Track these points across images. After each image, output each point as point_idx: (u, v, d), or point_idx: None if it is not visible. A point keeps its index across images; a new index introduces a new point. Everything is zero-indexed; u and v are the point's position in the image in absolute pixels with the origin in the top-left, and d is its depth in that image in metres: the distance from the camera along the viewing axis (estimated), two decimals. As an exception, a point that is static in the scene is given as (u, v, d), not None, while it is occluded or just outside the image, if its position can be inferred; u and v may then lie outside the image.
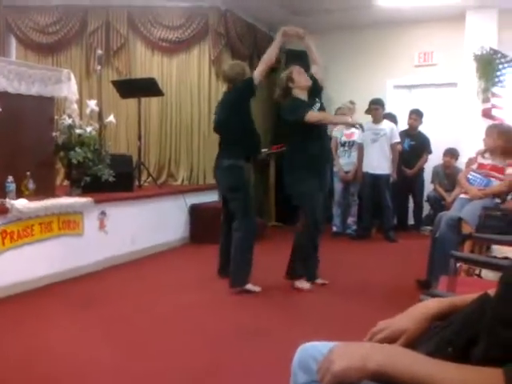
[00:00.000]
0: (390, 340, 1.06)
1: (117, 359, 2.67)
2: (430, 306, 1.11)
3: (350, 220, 6.35)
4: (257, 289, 3.87)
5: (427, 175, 6.69)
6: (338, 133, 6.41)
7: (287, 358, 1.31)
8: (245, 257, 3.88)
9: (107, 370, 2.54)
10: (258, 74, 3.88)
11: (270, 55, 3.97)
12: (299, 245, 3.98)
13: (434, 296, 1.30)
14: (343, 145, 6.33)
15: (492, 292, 0.97)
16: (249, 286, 3.86)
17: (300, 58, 7.47)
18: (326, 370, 0.88)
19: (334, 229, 6.40)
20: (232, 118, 3.94)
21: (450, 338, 0.96)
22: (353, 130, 6.20)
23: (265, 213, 7.11)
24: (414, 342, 1.05)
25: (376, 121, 6.12)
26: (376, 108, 6.09)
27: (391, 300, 3.66)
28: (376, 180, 6.06)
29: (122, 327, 3.17)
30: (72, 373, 2.50)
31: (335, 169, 6.33)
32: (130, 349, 2.81)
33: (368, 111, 6.22)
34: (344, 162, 6.33)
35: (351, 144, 6.29)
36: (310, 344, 1.27)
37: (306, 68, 7.36)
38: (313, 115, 3.84)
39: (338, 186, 6.37)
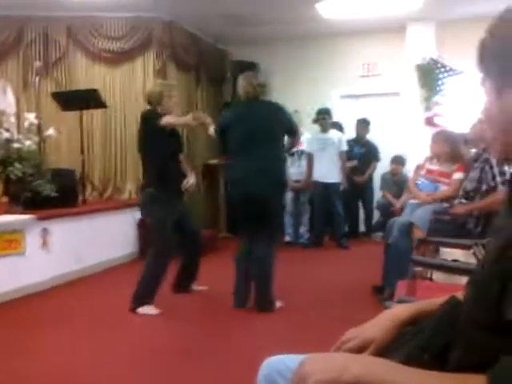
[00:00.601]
0: (360, 349, 1.02)
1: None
2: (397, 312, 1.08)
3: (302, 229, 6.36)
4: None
5: (376, 182, 6.79)
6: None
7: (250, 374, 1.22)
8: None
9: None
10: (166, 123, 3.62)
11: (181, 123, 4.04)
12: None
13: (400, 302, 1.26)
14: (292, 154, 6.31)
15: (459, 295, 0.96)
16: None
17: (246, 70, 7.49)
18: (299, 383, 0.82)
19: (287, 238, 6.37)
20: None
21: (423, 345, 0.92)
22: (302, 139, 6.21)
23: (215, 224, 7.00)
24: (384, 351, 1.01)
25: (324, 130, 6.18)
26: (323, 117, 6.15)
27: (349, 307, 3.64)
28: (327, 188, 6.09)
29: (67, 356, 2.98)
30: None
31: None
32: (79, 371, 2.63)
33: (315, 121, 6.28)
34: (294, 171, 6.32)
35: (300, 153, 6.30)
36: (274, 358, 1.21)
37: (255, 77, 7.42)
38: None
39: (288, 196, 6.35)
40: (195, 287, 4.20)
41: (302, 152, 6.25)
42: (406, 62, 6.88)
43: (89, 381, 2.58)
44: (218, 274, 4.46)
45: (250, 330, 3.29)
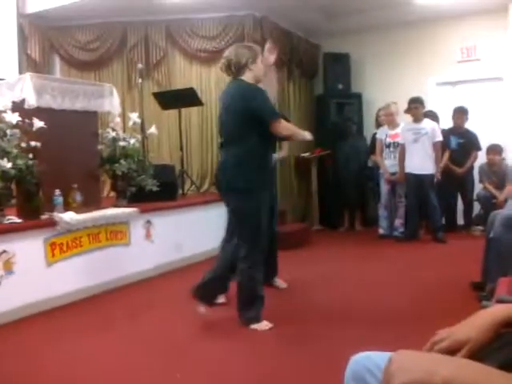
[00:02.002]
0: (452, 351, 0.96)
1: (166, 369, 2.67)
2: (495, 312, 1.01)
3: (397, 222, 6.20)
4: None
5: (477, 173, 6.47)
6: (382, 134, 6.30)
7: (336, 368, 1.26)
8: None
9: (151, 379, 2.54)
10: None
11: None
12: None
13: (499, 301, 1.21)
14: (388, 146, 6.21)
15: None
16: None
17: (338, 61, 7.45)
18: (386, 382, 0.82)
19: (381, 231, 6.27)
20: None
21: None
22: (398, 130, 6.09)
23: (308, 217, 7.05)
24: (479, 354, 0.94)
25: (416, 120, 5.94)
26: (416, 107, 5.91)
27: (445, 304, 3.54)
28: (420, 181, 5.87)
29: (164, 338, 3.18)
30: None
31: (381, 170, 6.25)
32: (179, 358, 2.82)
33: (407, 110, 6.05)
34: (390, 163, 6.20)
35: (396, 145, 6.14)
36: (362, 354, 1.18)
37: (345, 74, 7.36)
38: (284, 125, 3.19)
39: (384, 188, 6.25)
40: (279, 283, 4.15)
41: (398, 144, 6.11)
42: (508, 44, 6.47)
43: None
44: (308, 268, 4.51)
45: (337, 327, 3.30)
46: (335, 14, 6.78)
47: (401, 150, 6.00)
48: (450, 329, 1.01)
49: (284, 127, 3.13)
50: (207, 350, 2.92)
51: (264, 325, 3.19)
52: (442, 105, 7.00)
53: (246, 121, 3.06)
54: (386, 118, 6.27)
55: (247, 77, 3.15)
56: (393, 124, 6.22)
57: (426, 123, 5.94)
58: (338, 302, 3.80)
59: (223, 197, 3.34)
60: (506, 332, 0.98)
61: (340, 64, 7.44)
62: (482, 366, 0.78)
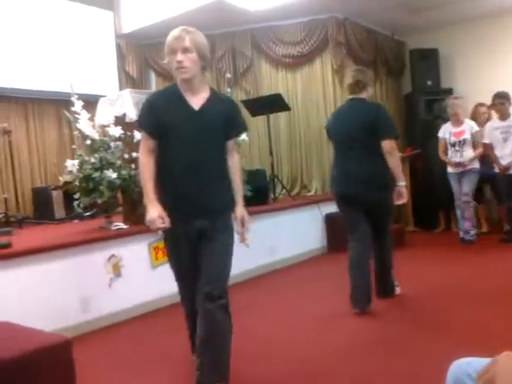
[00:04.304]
0: None
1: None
2: None
3: (467, 224, 5.75)
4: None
5: None
6: (445, 132, 5.84)
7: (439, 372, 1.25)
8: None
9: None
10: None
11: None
12: (386, 255, 3.79)
13: None
14: (453, 145, 5.78)
15: None
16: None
17: (426, 57, 7.25)
18: (487, 382, 0.81)
19: (462, 235, 5.85)
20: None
21: None
22: (462, 128, 5.71)
23: (402, 218, 6.90)
24: None
25: (503, 117, 5.45)
26: (501, 103, 5.41)
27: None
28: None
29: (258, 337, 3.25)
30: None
31: (449, 169, 5.83)
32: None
33: (492, 106, 5.65)
34: (457, 161, 5.75)
35: (462, 143, 5.73)
36: (464, 360, 1.18)
37: (434, 69, 7.13)
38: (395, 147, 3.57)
39: (455, 188, 5.84)
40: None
41: (465, 141, 5.67)
42: None
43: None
44: (406, 270, 4.42)
45: (437, 330, 3.21)
46: (418, 9, 6.60)
47: (489, 150, 5.53)
48: None
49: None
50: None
51: None
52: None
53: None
54: (451, 117, 5.81)
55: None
56: (457, 122, 5.79)
57: None
58: (441, 304, 3.70)
59: None
60: None
61: (427, 60, 7.24)
62: None
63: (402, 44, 7.68)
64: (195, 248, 2.45)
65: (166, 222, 2.35)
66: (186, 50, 2.34)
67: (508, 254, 5.09)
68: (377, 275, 3.79)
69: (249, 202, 5.04)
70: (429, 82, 7.13)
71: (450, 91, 7.16)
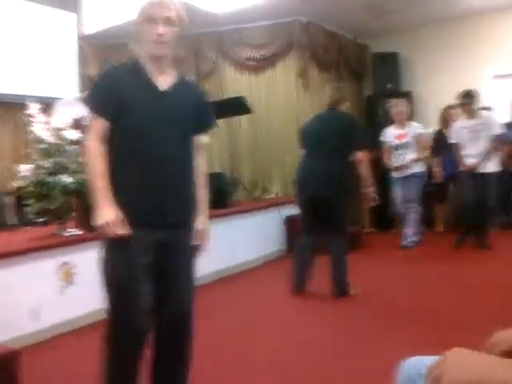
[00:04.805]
0: (510, 354, 0.92)
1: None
2: None
3: (410, 231, 5.72)
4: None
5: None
6: (389, 136, 5.79)
7: (389, 371, 1.29)
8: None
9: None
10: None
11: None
12: (342, 255, 3.98)
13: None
14: (396, 148, 5.72)
15: None
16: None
17: (387, 61, 7.37)
18: (436, 379, 0.81)
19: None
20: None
21: None
22: (405, 130, 5.65)
23: (360, 219, 7.01)
24: None
25: (471, 116, 5.33)
26: (466, 103, 5.30)
27: (505, 304, 3.46)
28: (484, 180, 5.28)
29: (222, 341, 3.29)
30: None
31: (393, 174, 5.78)
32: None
33: (461, 106, 5.50)
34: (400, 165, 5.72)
35: (405, 146, 5.67)
36: (415, 358, 1.17)
37: (395, 73, 7.25)
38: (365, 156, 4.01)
39: (396, 194, 5.78)
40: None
41: (407, 144, 5.65)
42: None
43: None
44: (361, 271, 4.51)
45: (393, 333, 3.30)
46: (381, 14, 6.71)
47: (455, 150, 5.46)
48: (508, 331, 0.98)
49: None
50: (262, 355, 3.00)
51: None
52: (499, 98, 6.78)
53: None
54: (396, 117, 5.74)
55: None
56: (401, 123, 5.73)
57: (483, 117, 5.34)
58: (394, 303, 3.79)
59: None
60: None
61: (389, 63, 7.36)
62: None
63: (364, 47, 7.79)
64: (156, 264, 2.02)
65: (126, 228, 1.93)
66: (169, 22, 1.96)
67: (457, 254, 5.23)
68: (332, 275, 3.99)
69: (209, 204, 5.10)
70: (389, 85, 7.26)
71: (408, 94, 7.30)
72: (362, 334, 3.20)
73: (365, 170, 3.97)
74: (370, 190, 4.05)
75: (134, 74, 2.02)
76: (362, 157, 3.94)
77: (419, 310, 3.59)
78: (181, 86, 2.09)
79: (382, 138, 5.84)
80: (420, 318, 3.44)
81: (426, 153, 5.70)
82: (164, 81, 2.04)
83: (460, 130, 5.39)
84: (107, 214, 1.91)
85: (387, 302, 3.85)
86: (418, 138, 5.65)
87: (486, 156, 5.23)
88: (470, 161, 5.34)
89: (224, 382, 2.64)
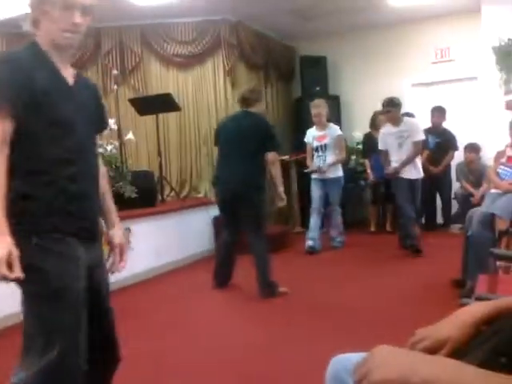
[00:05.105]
0: (433, 350, 0.95)
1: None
2: (474, 310, 1.01)
3: (335, 232, 5.79)
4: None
5: (454, 173, 6.56)
6: (309, 137, 5.76)
7: (317, 369, 1.25)
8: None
9: None
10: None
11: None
12: (264, 254, 4.04)
13: (478, 299, 1.22)
14: (316, 150, 5.67)
15: None
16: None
17: (315, 64, 7.48)
18: (363, 375, 0.81)
19: (310, 243, 5.60)
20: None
21: (501, 348, 0.85)
22: (325, 132, 5.61)
23: (289, 219, 7.05)
24: (459, 352, 0.93)
25: (395, 123, 5.24)
26: (388, 110, 5.25)
27: (426, 301, 3.57)
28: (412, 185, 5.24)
29: (152, 344, 3.14)
30: None
31: (313, 175, 5.72)
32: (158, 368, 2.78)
33: (384, 113, 5.49)
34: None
35: (324, 148, 5.62)
36: (342, 356, 1.19)
37: (322, 76, 7.37)
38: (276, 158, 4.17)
39: (315, 193, 5.70)
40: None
41: (326, 146, 5.60)
42: (481, 44, 6.58)
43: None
44: (289, 270, 4.51)
45: (319, 328, 3.30)
46: (310, 17, 6.80)
47: (383, 157, 5.43)
48: (430, 328, 1.01)
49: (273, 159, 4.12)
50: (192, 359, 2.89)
51: None
52: (418, 105, 7.09)
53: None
54: (315, 118, 5.63)
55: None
56: (320, 124, 5.65)
57: (407, 124, 5.27)
58: (319, 303, 3.80)
59: None
60: (486, 329, 0.98)
61: (317, 67, 7.47)
62: (462, 365, 0.77)
63: (292, 50, 7.86)
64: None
65: (17, 270, 1.53)
66: (86, 11, 1.76)
67: (383, 254, 5.38)
68: (257, 276, 4.02)
69: (135, 204, 4.91)
70: (317, 88, 7.36)
71: (337, 98, 7.46)
72: (291, 333, 3.18)
73: (275, 170, 4.12)
74: (280, 191, 4.21)
75: (41, 63, 1.71)
76: (272, 158, 4.05)
77: (345, 310, 3.62)
78: (81, 81, 1.86)
79: (305, 139, 5.86)
80: (346, 316, 3.46)
81: (344, 155, 5.71)
82: (68, 75, 1.79)
83: (386, 136, 5.35)
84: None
85: (312, 301, 3.86)
86: (336, 140, 5.61)
87: (408, 161, 5.17)
88: (393, 166, 5.29)
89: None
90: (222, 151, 4.23)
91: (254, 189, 4.01)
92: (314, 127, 5.76)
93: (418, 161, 5.34)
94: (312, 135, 5.73)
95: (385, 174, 5.58)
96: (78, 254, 1.70)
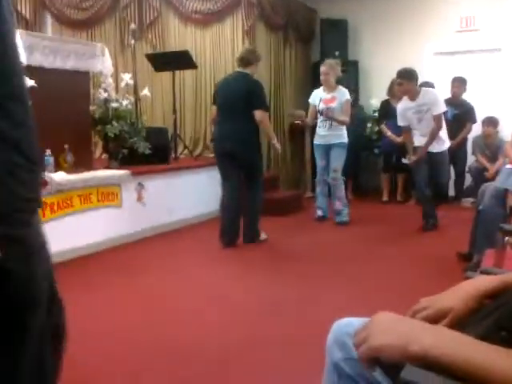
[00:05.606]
0: (434, 319, 0.95)
1: (150, 331, 2.71)
2: (478, 283, 1.01)
3: (339, 204, 5.33)
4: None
5: (470, 146, 6.47)
6: (315, 98, 5.32)
7: (321, 332, 1.27)
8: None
9: (139, 338, 2.58)
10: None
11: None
12: (257, 205, 4.48)
13: (483, 273, 1.23)
14: (322, 113, 5.23)
15: None
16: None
17: (335, 28, 7.32)
18: (362, 340, 0.82)
19: (319, 213, 5.49)
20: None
21: (502, 322, 0.86)
22: (333, 94, 5.20)
23: (301, 184, 7.07)
24: (461, 323, 0.94)
25: (411, 97, 4.82)
26: (399, 83, 4.84)
27: (431, 272, 3.60)
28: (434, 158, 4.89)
29: (159, 296, 3.22)
30: (105, 332, 2.57)
31: (316, 141, 5.42)
32: (163, 318, 2.86)
33: (397, 85, 5.02)
34: (323, 133, 5.31)
35: (331, 111, 5.18)
36: (345, 320, 1.20)
37: (342, 40, 7.21)
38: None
39: (319, 162, 5.44)
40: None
41: (335, 109, 5.18)
42: (507, 15, 6.39)
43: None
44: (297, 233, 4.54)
45: (325, 294, 3.36)
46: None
47: (406, 135, 5.10)
48: (433, 297, 1.01)
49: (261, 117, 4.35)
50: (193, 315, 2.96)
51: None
52: (439, 75, 6.94)
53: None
54: (321, 77, 5.26)
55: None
56: (327, 85, 5.25)
57: (425, 96, 4.81)
58: (326, 269, 3.85)
59: None
60: (488, 303, 0.98)
61: (337, 30, 7.31)
62: (462, 337, 0.78)
63: (313, 11, 7.68)
64: None
65: None
66: None
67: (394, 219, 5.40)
68: (245, 222, 4.47)
69: (148, 160, 4.94)
70: (337, 53, 7.21)
71: (355, 63, 7.32)
72: (291, 297, 3.22)
73: (264, 127, 4.45)
74: (273, 142, 4.60)
75: None
76: (259, 116, 4.29)
77: (351, 278, 3.66)
78: None
79: (309, 100, 5.42)
80: (351, 284, 3.50)
81: (348, 120, 5.23)
82: None
83: (404, 111, 4.93)
84: None
85: (318, 267, 3.90)
86: (344, 105, 5.20)
87: (431, 140, 4.81)
88: (418, 143, 4.93)
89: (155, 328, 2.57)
90: (219, 110, 4.51)
91: (246, 145, 4.32)
92: (322, 88, 5.32)
93: (442, 132, 4.92)
94: (319, 96, 5.29)
95: (405, 163, 5.16)
96: None
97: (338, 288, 3.39)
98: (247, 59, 4.43)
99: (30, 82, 3.82)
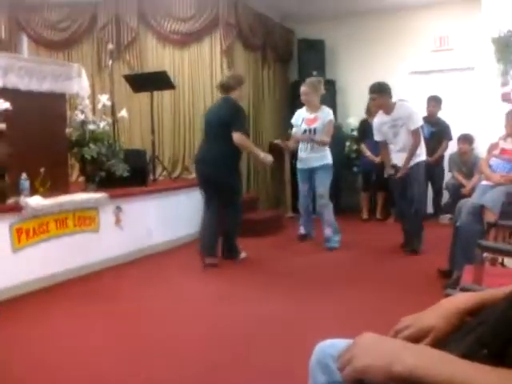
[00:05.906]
0: (416, 339, 0.95)
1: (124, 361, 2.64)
2: (459, 301, 1.01)
3: (328, 231, 5.07)
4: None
5: (446, 163, 6.57)
6: (297, 119, 5.20)
7: (303, 351, 1.24)
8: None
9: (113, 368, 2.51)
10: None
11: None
12: (235, 223, 4.60)
13: (463, 290, 1.22)
14: (304, 133, 5.09)
15: None
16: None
17: (313, 48, 7.42)
18: (346, 362, 0.82)
19: (302, 231, 5.37)
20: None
21: (483, 340, 0.85)
22: (316, 114, 5.06)
23: (281, 204, 7.06)
24: (442, 341, 0.94)
25: (386, 111, 4.75)
26: (373, 98, 4.80)
27: (412, 290, 3.59)
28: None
29: (136, 323, 3.15)
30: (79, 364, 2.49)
31: (298, 165, 5.25)
32: (144, 344, 2.79)
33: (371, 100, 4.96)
34: (304, 156, 5.13)
35: (313, 132, 5.03)
36: (327, 342, 1.20)
37: (319, 60, 7.31)
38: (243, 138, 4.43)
39: (301, 188, 5.28)
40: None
41: (316, 130, 5.03)
42: (481, 34, 6.53)
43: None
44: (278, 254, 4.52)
45: (305, 308, 3.33)
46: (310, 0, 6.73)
47: (383, 149, 5.01)
48: (414, 316, 1.01)
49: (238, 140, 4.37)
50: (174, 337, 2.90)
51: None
52: (414, 94, 7.05)
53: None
54: (301, 97, 5.12)
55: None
56: (310, 106, 5.09)
57: (399, 111, 4.72)
58: (308, 290, 3.82)
59: None
60: (469, 321, 0.98)
61: (314, 50, 7.41)
62: (445, 355, 0.78)
63: (290, 32, 7.78)
64: None
65: None
66: None
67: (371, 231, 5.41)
68: (226, 240, 4.64)
69: (126, 182, 4.88)
70: (314, 73, 7.29)
71: (333, 83, 7.41)
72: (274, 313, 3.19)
73: (245, 148, 4.54)
74: (260, 158, 4.65)
75: None
76: (236, 138, 4.30)
77: (328, 296, 3.64)
78: None
79: (292, 120, 5.30)
80: (329, 302, 3.48)
81: (329, 140, 5.05)
82: None
83: (380, 126, 4.86)
84: None
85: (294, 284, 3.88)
86: (327, 125, 5.03)
87: (410, 156, 4.68)
88: (395, 159, 4.81)
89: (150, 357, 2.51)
90: (204, 136, 4.69)
91: (219, 168, 4.38)
92: (305, 108, 5.17)
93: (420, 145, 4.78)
94: (302, 116, 5.14)
95: (387, 175, 4.97)
96: None
97: (321, 309, 3.36)
98: (227, 85, 4.50)
99: (4, 105, 3.78)
